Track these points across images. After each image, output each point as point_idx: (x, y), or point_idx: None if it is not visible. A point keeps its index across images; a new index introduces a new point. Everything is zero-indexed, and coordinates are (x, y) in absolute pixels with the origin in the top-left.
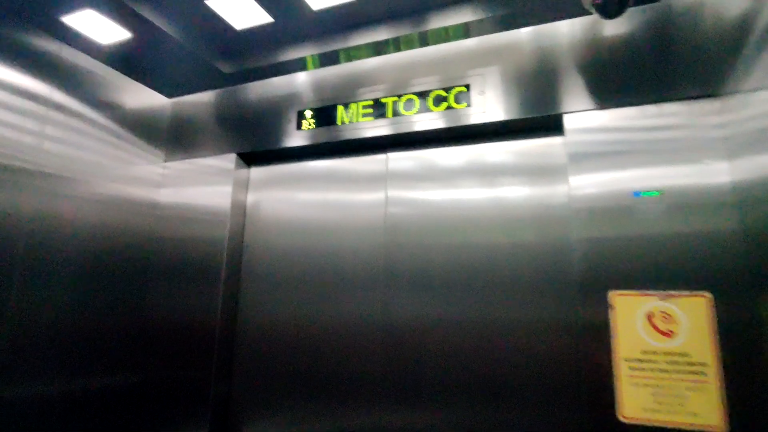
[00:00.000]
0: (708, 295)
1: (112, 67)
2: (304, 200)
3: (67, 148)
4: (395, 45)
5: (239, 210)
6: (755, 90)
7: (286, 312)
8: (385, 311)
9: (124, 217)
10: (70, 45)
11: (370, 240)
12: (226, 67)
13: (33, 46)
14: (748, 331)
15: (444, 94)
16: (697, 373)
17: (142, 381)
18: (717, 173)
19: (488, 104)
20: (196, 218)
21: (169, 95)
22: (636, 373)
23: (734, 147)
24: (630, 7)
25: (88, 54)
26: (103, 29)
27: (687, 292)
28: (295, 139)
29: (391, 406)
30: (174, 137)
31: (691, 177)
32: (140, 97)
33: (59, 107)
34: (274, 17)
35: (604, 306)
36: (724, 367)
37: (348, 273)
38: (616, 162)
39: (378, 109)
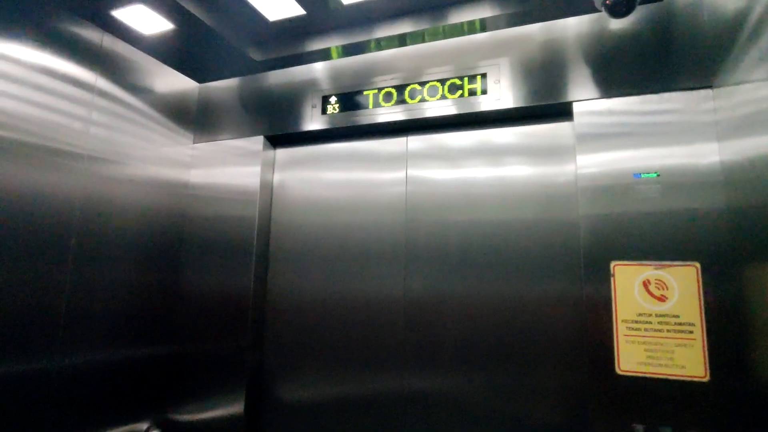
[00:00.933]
0: (697, 264)
1: (149, 54)
2: (328, 180)
3: (110, 132)
4: (416, 37)
5: (267, 189)
6: (742, 82)
7: (313, 285)
8: (405, 284)
9: (159, 197)
10: (111, 34)
11: (392, 217)
12: (256, 55)
13: (77, 35)
14: (730, 295)
15: (461, 82)
16: (685, 332)
17: (184, 351)
18: (708, 155)
19: (503, 92)
20: (226, 198)
21: (200, 81)
22: (632, 332)
23: (723, 131)
24: (637, 6)
25: (128, 42)
26: (149, 21)
27: (679, 262)
28: (320, 122)
29: (411, 370)
30: (202, 120)
31: (685, 159)
32: (171, 81)
33: (103, 93)
34: (306, 10)
35: (606, 275)
36: (708, 326)
37: (370, 248)
38: (619, 145)
39: (399, 95)
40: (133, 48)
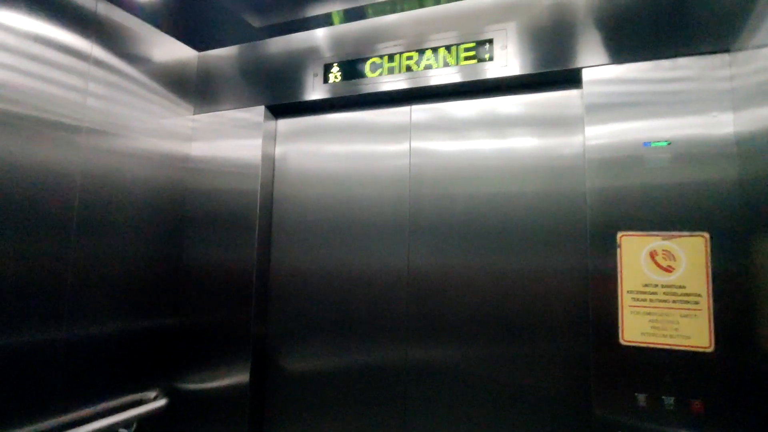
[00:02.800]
0: (706, 235)
1: (145, 21)
2: (331, 152)
3: (107, 104)
4: (420, 0)
5: (269, 162)
6: (762, 46)
7: (316, 258)
8: (409, 257)
9: (160, 170)
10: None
11: (395, 190)
12: (255, 21)
13: (71, 1)
14: (738, 266)
15: (468, 48)
16: (691, 303)
17: (189, 322)
18: (722, 125)
19: (510, 58)
20: (227, 171)
21: (199, 49)
22: (637, 303)
23: (739, 99)
24: None
25: (123, 8)
26: None
27: (687, 233)
28: (322, 91)
29: (414, 342)
30: (202, 90)
31: (697, 128)
32: (170, 50)
33: (99, 63)
34: None
35: (612, 246)
36: (714, 297)
37: (374, 221)
38: (629, 114)
39: (403, 62)
40: (128, 15)
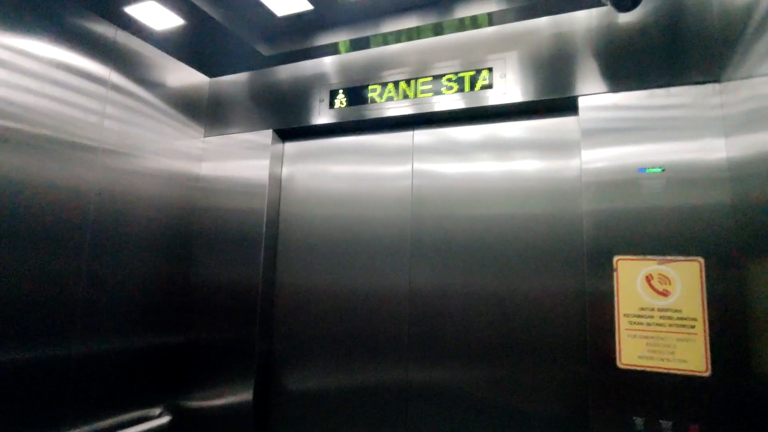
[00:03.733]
0: (701, 260)
1: (160, 49)
2: (336, 173)
3: (123, 126)
4: (423, 32)
5: (276, 182)
6: (749, 77)
7: (320, 277)
8: (411, 277)
9: (171, 189)
10: (124, 29)
11: (398, 210)
12: (265, 50)
13: (92, 31)
14: (733, 291)
15: (468, 76)
16: (687, 327)
17: (195, 340)
18: (714, 150)
19: (509, 86)
20: (236, 190)
21: (211, 75)
22: (634, 326)
23: (730, 126)
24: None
25: (140, 38)
26: (160, 17)
27: (682, 257)
28: (328, 116)
29: (415, 362)
30: (213, 114)
31: (691, 154)
32: (183, 75)
33: (116, 88)
34: (313, 5)
35: (609, 270)
36: (710, 321)
37: (376, 241)
38: (624, 140)
39: (405, 89)
40: (145, 43)
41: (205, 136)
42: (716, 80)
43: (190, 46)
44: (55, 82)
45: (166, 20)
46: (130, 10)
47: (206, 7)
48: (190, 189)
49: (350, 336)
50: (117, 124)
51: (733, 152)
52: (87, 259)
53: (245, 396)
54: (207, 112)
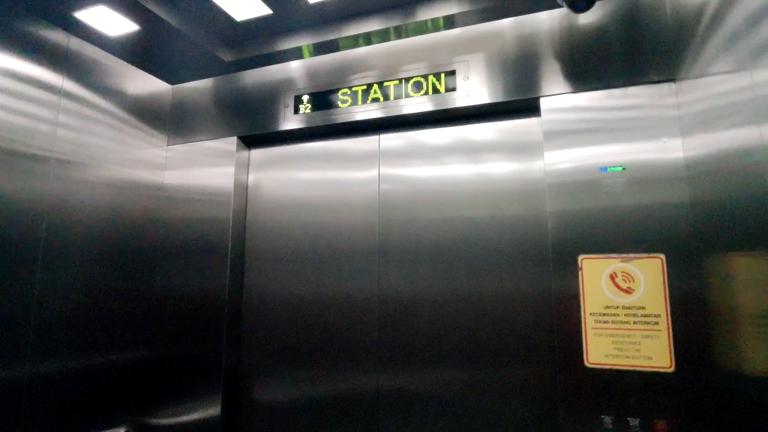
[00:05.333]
0: (662, 257)
1: (117, 56)
2: (302, 179)
3: (78, 135)
4: (386, 35)
5: (241, 190)
6: (702, 75)
7: (289, 286)
8: (380, 282)
9: (131, 199)
10: (77, 36)
11: (365, 215)
12: (226, 56)
13: (42, 37)
14: (693, 287)
15: (432, 79)
16: (651, 323)
17: (158, 355)
18: (672, 149)
19: (472, 88)
20: (200, 199)
21: (171, 82)
22: (600, 325)
23: (686, 126)
24: (597, 0)
25: (94, 44)
26: (113, 22)
27: (644, 255)
28: (293, 122)
29: (385, 369)
30: (176, 122)
31: (650, 153)
32: (143, 83)
33: (70, 96)
34: (273, 9)
35: (574, 269)
36: (672, 317)
37: (345, 247)
38: (585, 140)
39: (370, 93)
40: (101, 51)
41: (168, 145)
42: (672, 79)
43: (148, 52)
44: (2, 90)
45: (120, 26)
46: (81, 15)
47: (160, 12)
48: (153, 199)
49: (320, 344)
50: (71, 132)
51: (689, 151)
52: (40, 275)
53: (213, 410)
54: (170, 120)
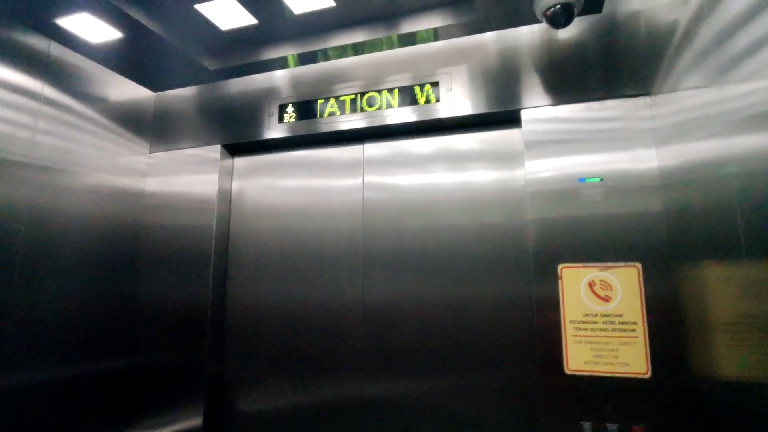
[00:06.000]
0: (638, 265)
1: (99, 63)
2: (287, 187)
3: (59, 141)
4: (370, 46)
5: (225, 197)
6: (675, 90)
7: (273, 294)
8: (364, 290)
9: (112, 206)
10: (58, 42)
11: (349, 224)
12: (210, 64)
13: (22, 43)
14: (668, 294)
15: (415, 90)
16: (628, 330)
17: (139, 364)
18: (647, 160)
19: (455, 100)
20: (183, 206)
21: (155, 89)
22: (579, 332)
23: (660, 137)
24: (576, 17)
25: (76, 51)
26: (96, 30)
27: (622, 263)
28: (277, 131)
29: (370, 376)
30: (159, 129)
31: (626, 164)
32: (125, 90)
33: (50, 102)
34: (258, 19)
35: (554, 277)
36: (649, 324)
37: (329, 255)
38: (564, 150)
39: (355, 103)
40: (83, 57)
41: (150, 152)
42: (647, 93)
43: (131, 60)
44: None
45: (103, 33)
46: (63, 22)
47: (145, 20)
48: (135, 206)
49: (304, 352)
50: (51, 139)
51: (663, 162)
52: (17, 283)
53: (195, 421)
54: (152, 127)
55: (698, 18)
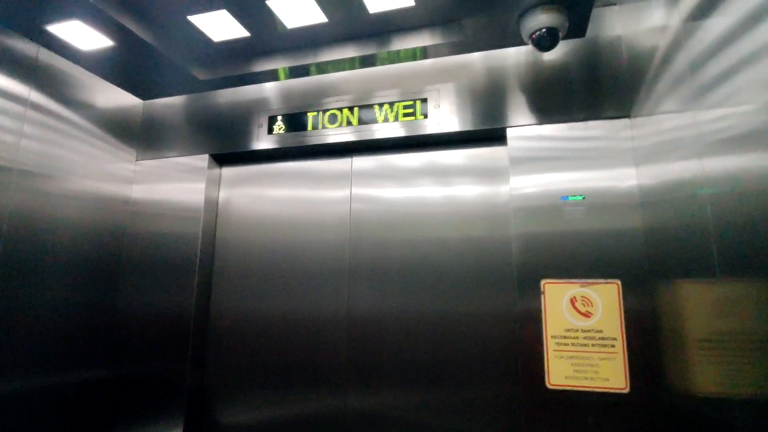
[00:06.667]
0: (618, 282)
1: (88, 70)
2: (274, 197)
3: (44, 146)
4: (361, 62)
5: (212, 207)
6: (653, 114)
7: (258, 304)
8: (349, 302)
9: (96, 212)
10: (47, 48)
11: (336, 235)
12: (201, 74)
13: (9, 47)
14: (647, 311)
15: (404, 106)
16: (608, 346)
17: (119, 375)
18: (627, 179)
19: (443, 116)
20: (169, 214)
21: (144, 97)
22: (560, 347)
23: (639, 157)
24: (560, 41)
25: (65, 57)
26: (87, 37)
27: (602, 280)
28: (266, 142)
29: (353, 389)
30: (146, 137)
31: (607, 182)
32: (113, 97)
33: (36, 107)
34: (250, 32)
35: (537, 293)
36: (628, 340)
37: (315, 266)
38: (548, 168)
39: (344, 117)
40: (71, 63)
41: (137, 159)
42: (627, 116)
43: (121, 68)
44: None
45: (94, 41)
46: (53, 28)
47: (137, 30)
48: (119, 213)
49: (288, 363)
50: (36, 144)
51: (642, 181)
52: None
53: None
54: (140, 135)
55: (675, 46)
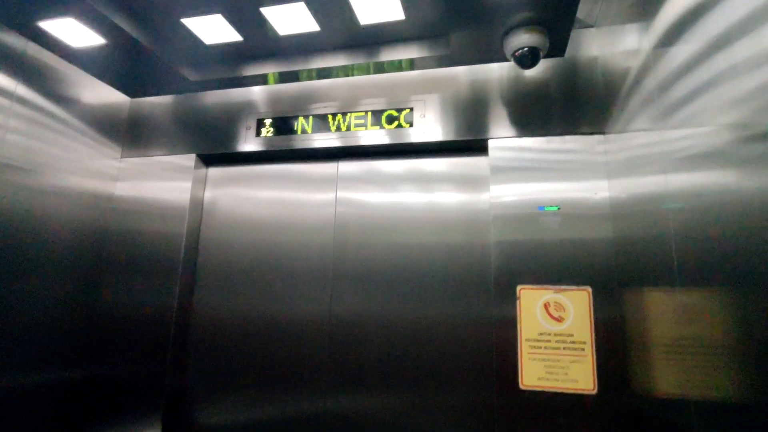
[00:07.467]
0: (589, 289)
1: (77, 66)
2: (260, 198)
3: (28, 140)
4: (350, 70)
5: (197, 206)
6: (624, 131)
7: (240, 306)
8: (332, 304)
9: (78, 209)
10: (36, 43)
11: (321, 238)
12: (191, 75)
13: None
14: (615, 316)
15: (391, 114)
16: (578, 349)
17: (97, 375)
18: (599, 191)
19: (428, 125)
20: (153, 212)
21: (132, 95)
22: (534, 350)
23: (611, 171)
24: (541, 59)
25: (54, 52)
26: (78, 34)
27: (574, 287)
28: (254, 144)
29: (335, 391)
30: (132, 135)
31: (581, 193)
32: (100, 94)
33: (23, 101)
34: (243, 37)
35: (513, 298)
36: (597, 344)
37: (299, 268)
38: (527, 179)
39: (331, 123)
40: (59, 58)
41: (122, 156)
42: (602, 132)
43: (111, 65)
44: None
45: (86, 38)
46: (45, 24)
47: (129, 29)
48: (102, 210)
49: (269, 365)
50: (21, 138)
51: (614, 193)
52: None
53: None
54: (125, 133)
55: (646, 68)
